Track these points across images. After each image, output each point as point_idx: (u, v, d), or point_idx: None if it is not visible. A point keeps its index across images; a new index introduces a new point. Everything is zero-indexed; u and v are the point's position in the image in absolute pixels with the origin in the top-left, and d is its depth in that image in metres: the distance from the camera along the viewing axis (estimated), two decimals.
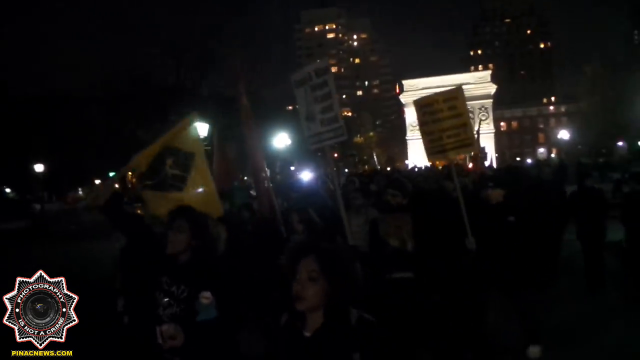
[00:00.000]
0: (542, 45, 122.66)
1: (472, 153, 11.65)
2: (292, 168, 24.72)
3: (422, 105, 5.39)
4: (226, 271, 2.84)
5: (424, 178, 9.35)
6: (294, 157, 28.84)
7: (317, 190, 7.43)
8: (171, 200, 3.59)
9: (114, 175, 4.45)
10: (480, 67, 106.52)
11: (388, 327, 3.18)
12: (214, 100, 26.50)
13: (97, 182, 36.83)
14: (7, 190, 37.63)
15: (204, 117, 15.05)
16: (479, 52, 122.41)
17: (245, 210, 5.71)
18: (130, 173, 4.21)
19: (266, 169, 5.89)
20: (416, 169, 18.79)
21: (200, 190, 3.80)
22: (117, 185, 4.09)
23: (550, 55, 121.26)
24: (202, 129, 14.35)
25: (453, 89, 5.42)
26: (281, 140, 24.59)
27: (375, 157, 34.16)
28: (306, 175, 13.67)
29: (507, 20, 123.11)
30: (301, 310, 1.94)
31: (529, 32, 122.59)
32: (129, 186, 5.76)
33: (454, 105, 5.11)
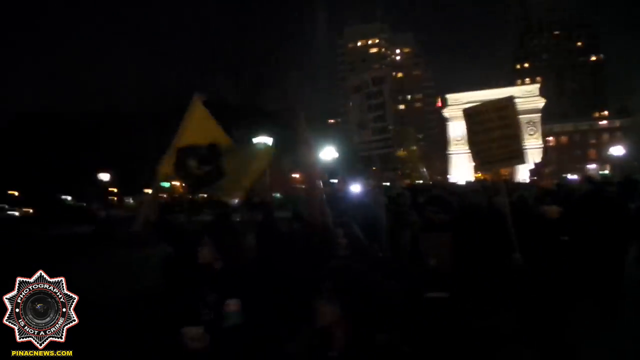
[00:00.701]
0: (592, 58, 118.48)
1: (534, 166, 11.80)
2: (335, 180, 25.31)
3: (471, 114, 5.25)
4: (254, 280, 2.92)
5: (474, 193, 9.07)
6: (340, 170, 29.49)
7: (368, 203, 7.36)
8: (220, 189, 3.71)
9: (162, 185, 4.64)
10: (527, 80, 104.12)
11: (419, 346, 3.33)
12: (270, 115, 27.65)
13: (147, 191, 38.86)
14: (68, 197, 40.37)
15: (262, 132, 15.99)
16: (526, 65, 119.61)
17: (296, 220, 5.61)
18: (178, 182, 4.61)
19: (321, 180, 6.12)
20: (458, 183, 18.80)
21: (239, 172, 3.77)
22: (165, 195, 4.38)
23: (601, 69, 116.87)
24: (267, 142, 15.29)
25: (504, 98, 5.30)
26: (328, 153, 25.30)
27: (424, 170, 34.19)
28: (356, 188, 13.83)
29: (556, 32, 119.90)
30: (320, 326, 2.06)
31: (578, 44, 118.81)
32: (177, 195, 6.20)
33: (505, 115, 4.97)
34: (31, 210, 28.57)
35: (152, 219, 3.74)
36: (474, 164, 5.36)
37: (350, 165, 27.50)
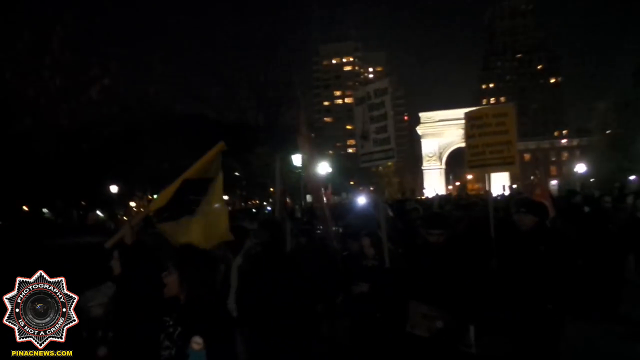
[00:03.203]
0: (552, 80, 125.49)
1: (537, 177, 11.46)
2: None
3: (472, 117, 5.35)
4: (221, 315, 2.76)
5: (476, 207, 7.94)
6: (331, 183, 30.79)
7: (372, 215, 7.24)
8: (183, 226, 3.54)
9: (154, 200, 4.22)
10: (492, 99, 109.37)
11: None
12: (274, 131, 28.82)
13: (132, 204, 38.92)
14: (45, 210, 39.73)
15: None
16: (491, 85, 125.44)
17: (302, 235, 5.54)
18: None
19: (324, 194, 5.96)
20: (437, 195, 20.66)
21: (211, 211, 3.64)
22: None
23: (561, 90, 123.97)
24: (296, 160, 16.68)
25: (505, 105, 5.92)
26: (323, 167, 26.83)
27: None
28: (361, 200, 14.24)
29: (518, 55, 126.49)
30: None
31: (539, 67, 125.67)
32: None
33: (503, 122, 5.05)
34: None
35: (127, 241, 3.46)
36: (467, 165, 5.45)
37: (344, 178, 28.40)
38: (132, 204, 36.39)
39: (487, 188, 5.41)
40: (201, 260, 2.80)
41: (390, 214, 7.25)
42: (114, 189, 24.89)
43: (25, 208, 26.22)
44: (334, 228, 5.69)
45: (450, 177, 77.44)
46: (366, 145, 4.70)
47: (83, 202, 27.75)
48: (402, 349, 4.01)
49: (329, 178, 30.90)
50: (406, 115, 75.81)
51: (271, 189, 28.52)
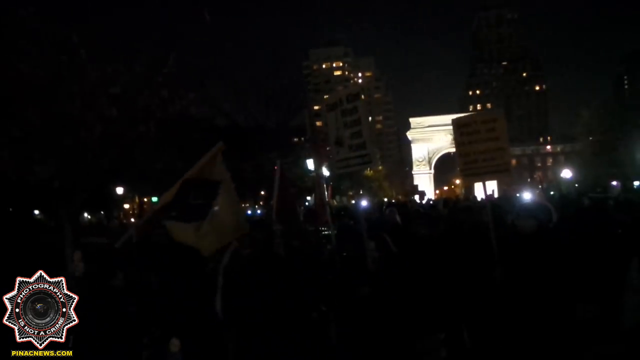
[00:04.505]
0: (537, 88, 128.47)
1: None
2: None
3: (460, 124, 5.24)
4: (202, 318, 2.84)
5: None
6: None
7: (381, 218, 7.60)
8: (193, 228, 3.61)
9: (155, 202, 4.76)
10: (479, 106, 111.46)
11: None
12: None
13: (126, 206, 39.15)
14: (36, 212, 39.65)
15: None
16: (478, 92, 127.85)
17: (296, 238, 5.30)
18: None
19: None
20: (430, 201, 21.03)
21: (224, 217, 3.70)
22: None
23: (545, 97, 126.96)
24: (309, 164, 17.35)
25: (494, 111, 5.63)
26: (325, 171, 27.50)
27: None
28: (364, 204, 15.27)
29: (504, 62, 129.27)
30: None
31: (524, 74, 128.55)
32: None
33: (493, 128, 4.94)
34: None
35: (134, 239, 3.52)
36: (460, 173, 5.43)
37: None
38: (126, 205, 36.68)
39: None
40: (186, 264, 2.79)
41: (398, 218, 7.40)
42: (119, 190, 25.28)
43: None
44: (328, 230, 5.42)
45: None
46: (341, 151, 4.69)
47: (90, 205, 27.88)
48: (402, 353, 4.11)
49: (327, 181, 31.56)
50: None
51: (262, 192, 29.18)
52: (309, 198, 25.18)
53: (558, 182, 40.28)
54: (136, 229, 3.97)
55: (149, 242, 4.04)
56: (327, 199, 6.60)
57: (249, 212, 24.22)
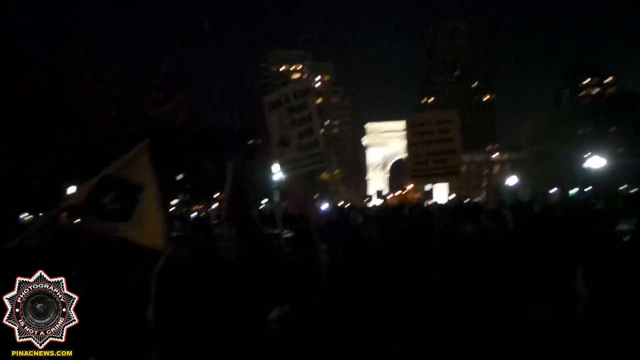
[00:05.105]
0: (486, 97, 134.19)
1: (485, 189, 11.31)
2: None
3: (414, 124, 5.14)
4: (125, 330, 2.82)
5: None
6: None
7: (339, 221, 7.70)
8: (118, 229, 3.50)
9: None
10: None
11: None
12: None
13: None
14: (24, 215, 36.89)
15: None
16: (431, 99, 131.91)
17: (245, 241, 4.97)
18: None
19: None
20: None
21: (144, 223, 3.51)
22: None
23: (493, 107, 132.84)
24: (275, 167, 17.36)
25: (449, 112, 5.26)
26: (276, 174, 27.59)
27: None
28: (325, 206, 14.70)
29: (456, 72, 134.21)
30: None
31: (474, 84, 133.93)
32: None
33: (447, 129, 4.86)
34: None
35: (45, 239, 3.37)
36: (410, 175, 5.32)
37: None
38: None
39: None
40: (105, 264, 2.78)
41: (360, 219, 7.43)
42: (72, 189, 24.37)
43: None
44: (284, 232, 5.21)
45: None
46: (286, 152, 4.34)
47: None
48: None
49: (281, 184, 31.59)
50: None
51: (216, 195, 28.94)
52: (264, 201, 25.21)
53: (511, 189, 42.09)
54: (39, 229, 3.83)
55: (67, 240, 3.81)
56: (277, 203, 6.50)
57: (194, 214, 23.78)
